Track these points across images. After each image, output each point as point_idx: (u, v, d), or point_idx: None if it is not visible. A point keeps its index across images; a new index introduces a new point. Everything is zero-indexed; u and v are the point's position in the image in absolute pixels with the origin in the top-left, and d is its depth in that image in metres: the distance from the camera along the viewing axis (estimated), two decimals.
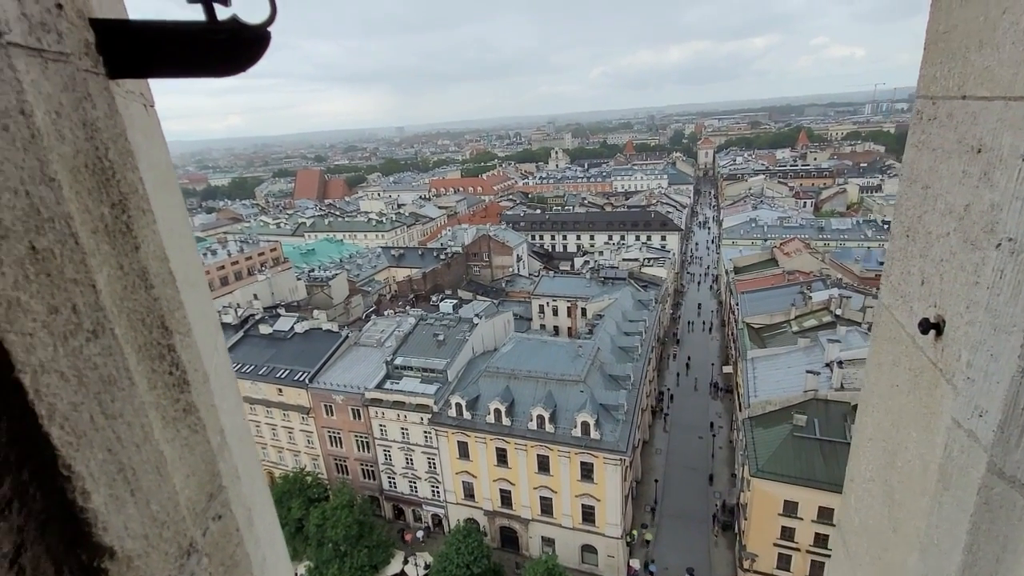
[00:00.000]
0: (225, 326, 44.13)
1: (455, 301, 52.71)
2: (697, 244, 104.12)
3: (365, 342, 43.48)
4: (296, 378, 40.90)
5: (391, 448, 39.68)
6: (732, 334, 52.55)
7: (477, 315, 43.88)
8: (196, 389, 1.34)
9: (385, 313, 52.12)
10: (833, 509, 28.05)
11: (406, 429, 38.35)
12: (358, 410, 39.43)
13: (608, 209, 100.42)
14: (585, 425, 32.66)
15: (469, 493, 38.03)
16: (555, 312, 55.48)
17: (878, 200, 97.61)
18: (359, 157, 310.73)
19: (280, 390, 41.69)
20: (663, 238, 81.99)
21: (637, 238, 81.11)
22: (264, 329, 45.37)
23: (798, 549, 29.84)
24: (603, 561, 35.10)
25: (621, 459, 32.34)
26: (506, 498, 36.77)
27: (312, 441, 42.64)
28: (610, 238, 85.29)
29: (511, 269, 70.46)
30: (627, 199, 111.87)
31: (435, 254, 73.00)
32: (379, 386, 38.56)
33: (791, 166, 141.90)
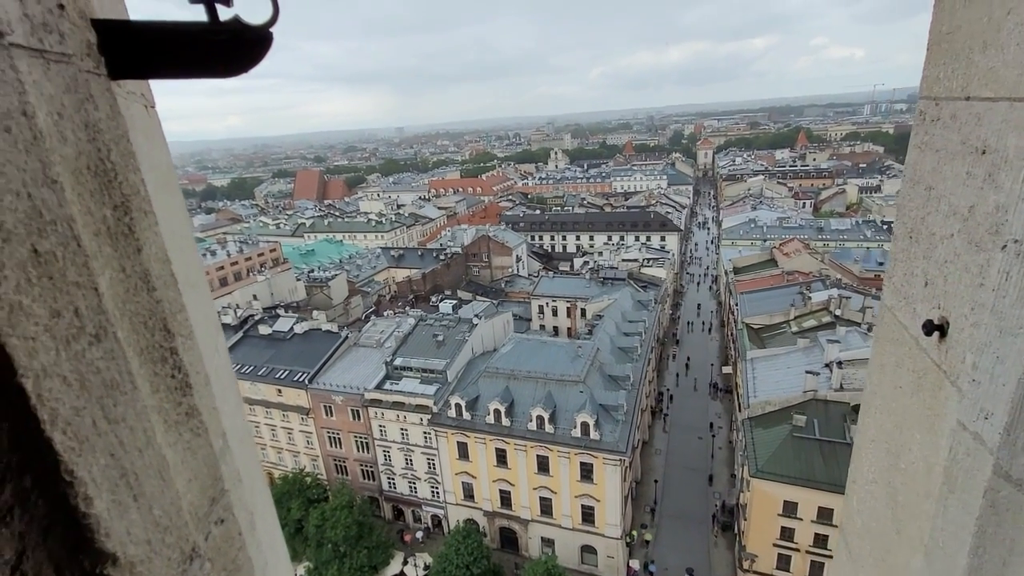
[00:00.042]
0: (224, 327, 44.08)
1: (455, 302, 52.70)
2: (696, 244, 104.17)
3: (365, 343, 43.46)
4: (295, 379, 40.88)
5: (390, 449, 39.65)
6: (731, 334, 52.57)
7: (477, 315, 43.88)
8: (198, 392, 1.33)
9: (385, 314, 52.10)
10: (833, 510, 28.06)
11: (405, 430, 38.33)
12: (357, 411, 39.40)
13: (607, 210, 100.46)
14: (585, 425, 32.65)
15: (469, 494, 38.01)
16: (555, 312, 55.49)
17: (877, 201, 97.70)
18: (359, 158, 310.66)
19: (279, 391, 41.66)
20: (662, 239, 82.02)
21: (636, 239, 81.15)
22: (263, 330, 45.34)
23: (798, 549, 29.83)
24: (603, 562, 35.09)
25: (621, 459, 32.33)
26: (506, 499, 36.74)
27: (311, 442, 42.61)
28: (609, 239, 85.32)
29: (510, 269, 70.46)
30: (626, 200, 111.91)
31: (434, 255, 73.01)
32: (379, 387, 38.54)
33: (790, 167, 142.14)
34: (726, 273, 64.32)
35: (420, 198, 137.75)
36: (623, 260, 64.37)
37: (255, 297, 57.15)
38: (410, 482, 40.13)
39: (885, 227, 75.57)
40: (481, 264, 70.57)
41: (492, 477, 36.46)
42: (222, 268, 66.46)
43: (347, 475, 42.17)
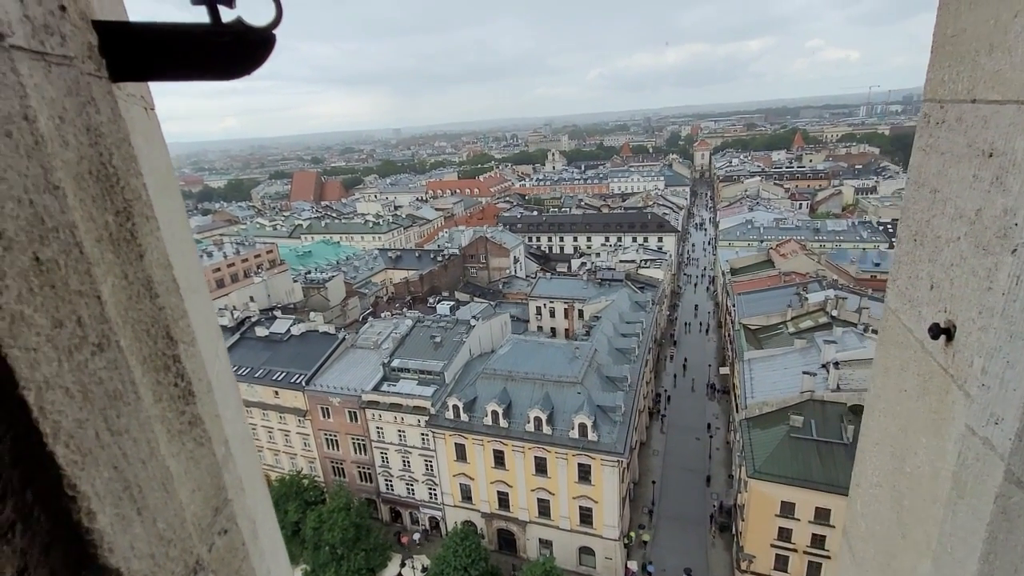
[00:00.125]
0: (221, 329, 43.88)
1: (452, 303, 52.68)
2: (694, 245, 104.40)
3: (362, 344, 43.35)
4: (293, 380, 40.74)
5: (388, 450, 39.55)
6: (729, 335, 52.69)
7: (474, 317, 43.85)
8: (201, 400, 1.30)
9: (382, 315, 52.02)
10: (830, 510, 28.12)
11: (403, 431, 38.24)
12: (355, 412, 39.29)
13: (605, 211, 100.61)
14: (582, 427, 32.64)
15: (466, 495, 37.94)
16: (552, 314, 55.49)
17: (873, 202, 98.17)
18: (356, 159, 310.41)
19: (276, 392, 41.52)
20: (660, 240, 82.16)
21: (634, 240, 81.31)
22: (260, 331, 45.20)
23: (795, 550, 29.88)
24: (601, 563, 35.06)
25: (618, 460, 32.32)
26: (503, 500, 36.68)
27: (309, 444, 42.46)
28: (607, 240, 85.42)
29: (508, 271, 70.45)
30: (624, 201, 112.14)
31: (432, 256, 72.95)
32: (376, 388, 38.45)
33: (787, 168, 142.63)
34: (723, 274, 64.49)
35: (417, 199, 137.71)
36: (620, 261, 64.44)
37: (252, 299, 56.93)
38: (408, 484, 40.03)
39: (881, 228, 75.95)
40: (479, 265, 70.54)
41: (490, 479, 36.40)
42: (219, 270, 66.25)
43: (344, 477, 42.03)
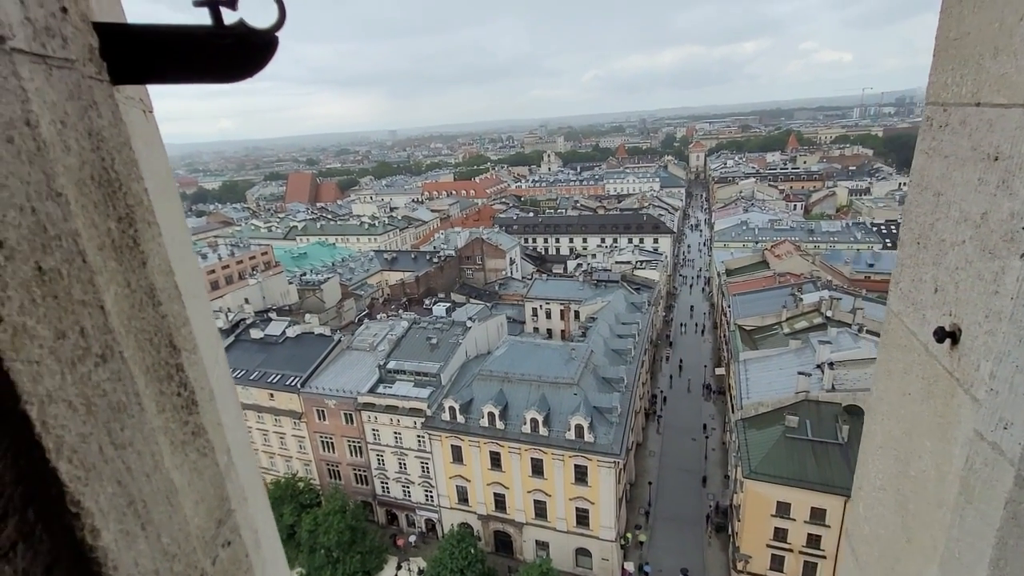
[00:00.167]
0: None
1: (448, 304, 52.60)
2: (689, 247, 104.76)
3: (358, 346, 43.21)
4: (288, 383, 40.54)
5: (384, 452, 39.41)
6: (724, 336, 52.86)
7: (470, 318, 43.77)
8: (203, 409, 1.28)
9: (378, 317, 51.88)
10: (825, 510, 28.22)
11: (399, 433, 38.11)
12: (350, 414, 39.13)
13: (600, 212, 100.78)
14: (579, 428, 32.64)
15: (463, 497, 37.85)
16: (548, 315, 55.51)
17: (867, 203, 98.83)
18: (351, 160, 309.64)
19: (271, 395, 41.30)
20: (655, 241, 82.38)
21: (629, 241, 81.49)
22: (255, 333, 44.96)
23: (791, 550, 29.96)
24: (597, 564, 35.05)
25: (615, 462, 32.34)
26: (500, 502, 36.62)
27: (304, 446, 42.25)
28: (603, 241, 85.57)
29: (504, 272, 70.43)
30: (619, 202, 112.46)
31: (428, 257, 72.83)
32: (372, 390, 38.31)
33: (781, 169, 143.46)
34: (718, 275, 64.72)
35: (413, 201, 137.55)
36: (616, 262, 64.55)
37: (247, 301, 56.62)
38: (404, 486, 39.90)
39: (875, 229, 76.44)
40: (474, 267, 70.48)
41: (486, 480, 36.32)
42: (213, 272, 65.81)
43: (340, 479, 41.84)
